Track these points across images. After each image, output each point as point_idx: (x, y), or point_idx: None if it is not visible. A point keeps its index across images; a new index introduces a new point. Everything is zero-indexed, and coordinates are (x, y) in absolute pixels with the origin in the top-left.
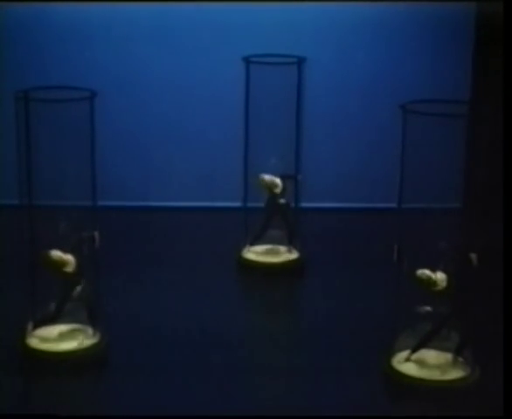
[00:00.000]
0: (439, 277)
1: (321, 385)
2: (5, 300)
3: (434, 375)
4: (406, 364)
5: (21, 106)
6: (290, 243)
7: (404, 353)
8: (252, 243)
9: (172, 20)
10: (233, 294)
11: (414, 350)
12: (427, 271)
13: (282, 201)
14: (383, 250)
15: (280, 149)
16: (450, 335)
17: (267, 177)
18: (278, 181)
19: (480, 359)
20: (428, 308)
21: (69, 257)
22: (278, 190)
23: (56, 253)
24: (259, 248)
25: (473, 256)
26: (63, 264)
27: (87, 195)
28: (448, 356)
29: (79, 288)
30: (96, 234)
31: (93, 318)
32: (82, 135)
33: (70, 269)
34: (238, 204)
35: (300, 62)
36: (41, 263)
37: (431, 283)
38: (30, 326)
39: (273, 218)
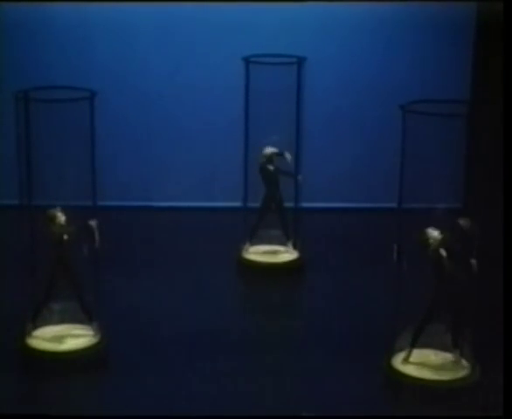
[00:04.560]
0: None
1: (321, 385)
2: (5, 300)
3: (434, 375)
4: (406, 364)
5: (21, 106)
6: (288, 239)
7: (404, 354)
8: (252, 239)
9: (172, 20)
10: (233, 294)
11: (411, 348)
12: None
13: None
14: (383, 250)
15: (279, 149)
16: (449, 334)
17: (268, 150)
18: (271, 165)
19: (480, 359)
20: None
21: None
22: (270, 167)
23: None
24: (259, 248)
25: (474, 262)
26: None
27: (87, 195)
28: (448, 356)
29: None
30: (96, 234)
31: (92, 318)
32: (82, 135)
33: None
34: (238, 204)
35: (300, 62)
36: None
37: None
38: (29, 325)
39: (268, 214)
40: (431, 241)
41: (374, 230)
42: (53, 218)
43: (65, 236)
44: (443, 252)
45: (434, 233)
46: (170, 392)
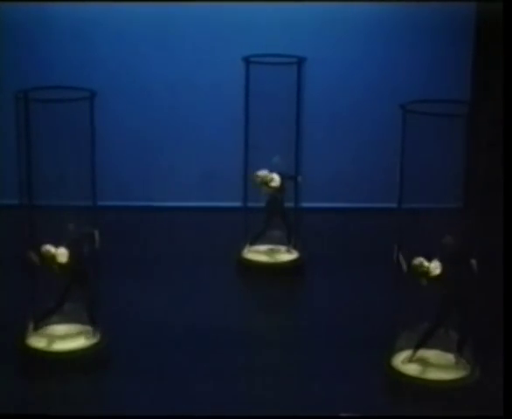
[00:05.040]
0: (433, 265)
1: (321, 385)
2: (5, 300)
3: (434, 375)
4: (406, 364)
5: (21, 106)
6: (289, 242)
7: (405, 353)
8: (252, 243)
9: (172, 20)
10: (233, 294)
11: (415, 350)
12: (421, 259)
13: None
14: (383, 250)
15: (279, 149)
16: (449, 334)
17: (261, 173)
18: (273, 176)
19: (480, 359)
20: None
21: (60, 250)
22: (274, 184)
23: (45, 247)
24: (259, 248)
25: (474, 262)
26: (53, 256)
27: (87, 195)
28: (448, 356)
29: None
30: (96, 234)
31: (93, 318)
32: (82, 135)
33: (63, 259)
34: (238, 204)
35: (300, 62)
36: (35, 260)
37: (423, 270)
38: (30, 325)
39: (273, 218)
40: (424, 269)
41: (374, 230)
42: (52, 259)
43: (65, 259)
44: (437, 267)
45: (418, 260)
46: (170, 392)
